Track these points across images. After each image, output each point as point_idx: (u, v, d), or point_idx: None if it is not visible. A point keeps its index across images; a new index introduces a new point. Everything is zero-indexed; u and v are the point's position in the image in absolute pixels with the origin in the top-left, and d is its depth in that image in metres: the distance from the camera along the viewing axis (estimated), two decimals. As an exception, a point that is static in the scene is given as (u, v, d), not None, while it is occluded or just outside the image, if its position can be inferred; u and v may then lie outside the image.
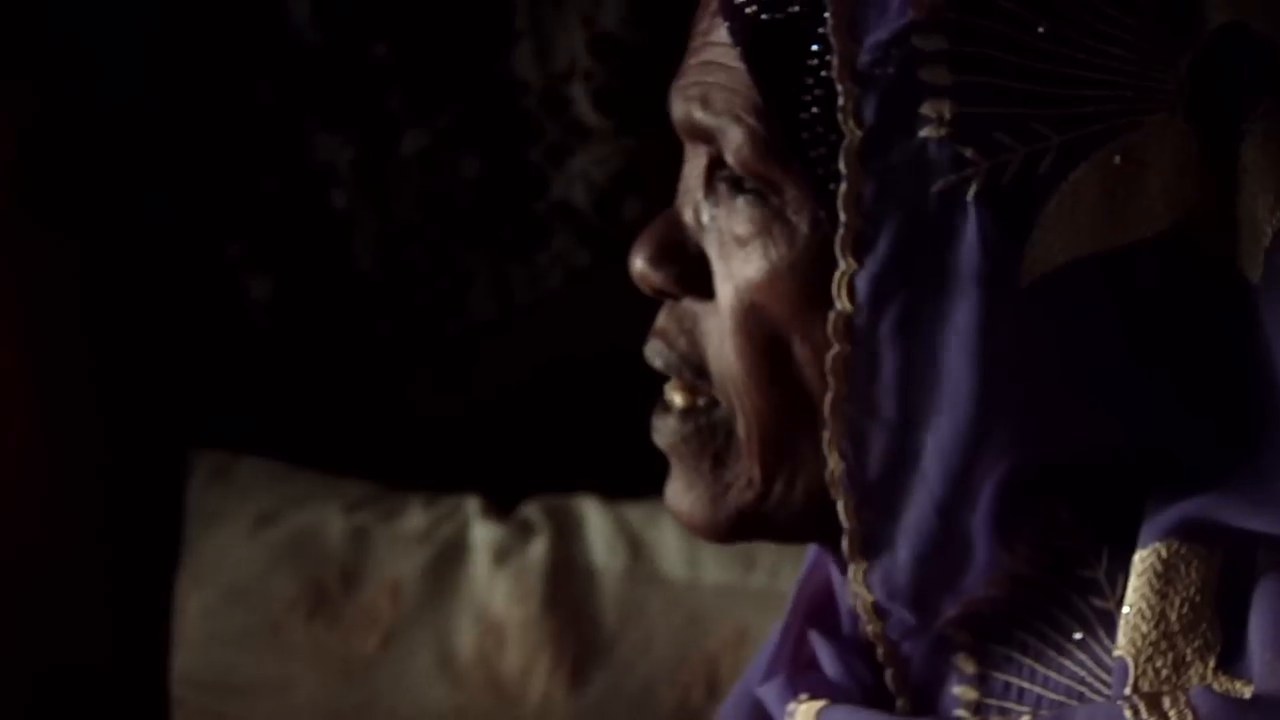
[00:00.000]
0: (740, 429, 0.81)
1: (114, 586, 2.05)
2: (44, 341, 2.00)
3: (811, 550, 0.90)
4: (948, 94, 0.74)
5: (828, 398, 0.77)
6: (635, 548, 1.93)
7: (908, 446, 0.76)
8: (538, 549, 1.94)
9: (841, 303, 0.76)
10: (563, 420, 2.00)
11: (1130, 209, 0.74)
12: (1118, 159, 0.74)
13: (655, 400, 0.86)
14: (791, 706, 0.83)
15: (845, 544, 0.78)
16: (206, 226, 2.08)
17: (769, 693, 0.86)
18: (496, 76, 2.00)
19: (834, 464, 0.77)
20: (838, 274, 0.76)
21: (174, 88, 2.05)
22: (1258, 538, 0.74)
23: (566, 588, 1.92)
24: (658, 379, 0.86)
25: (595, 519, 1.96)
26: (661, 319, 0.83)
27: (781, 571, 1.83)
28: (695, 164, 0.82)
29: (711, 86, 0.79)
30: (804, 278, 0.78)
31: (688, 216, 0.82)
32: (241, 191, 2.07)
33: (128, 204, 2.05)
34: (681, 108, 0.81)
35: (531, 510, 1.98)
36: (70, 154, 2.00)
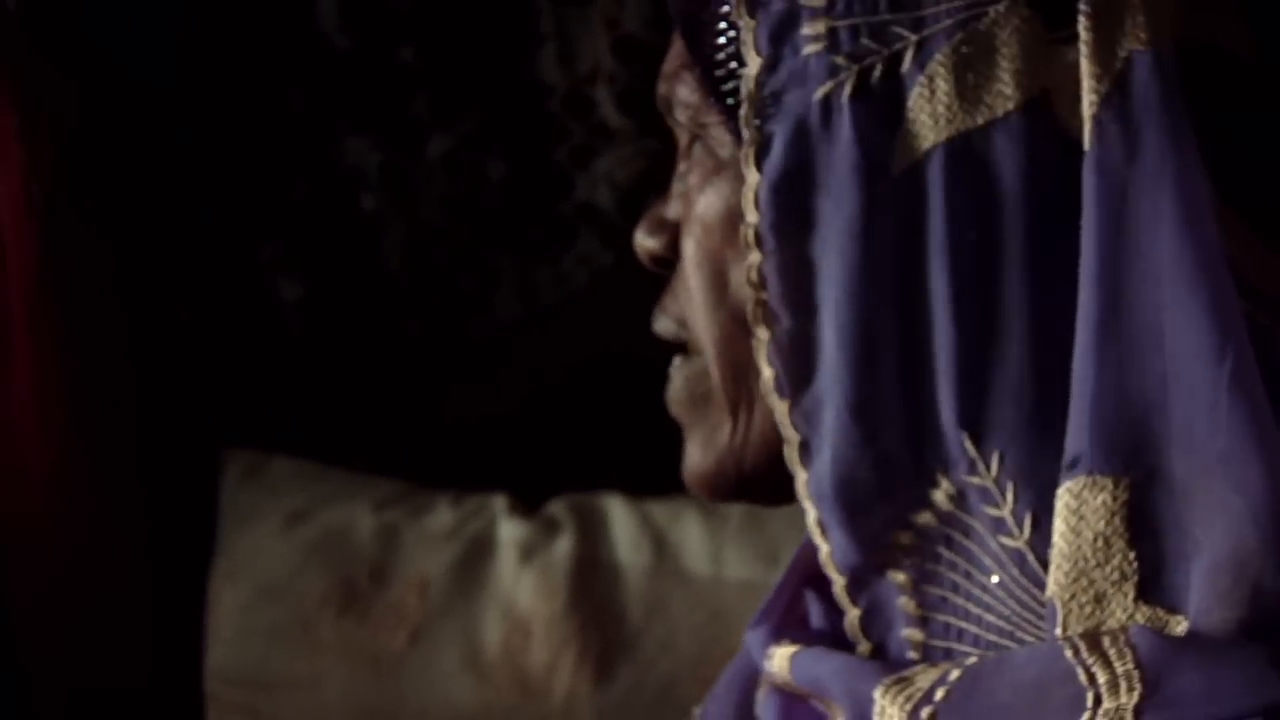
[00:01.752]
0: (711, 368, 0.85)
1: (148, 583, 2.05)
2: (80, 342, 1.99)
3: None
4: (822, 13, 0.80)
5: (749, 309, 0.81)
6: (659, 545, 1.92)
7: (818, 345, 0.80)
8: (563, 546, 1.93)
9: (750, 213, 0.81)
10: (588, 419, 1.99)
11: (980, 92, 0.79)
12: (965, 48, 0.79)
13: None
14: (771, 650, 0.86)
15: (786, 454, 0.81)
16: (239, 229, 2.09)
17: (754, 638, 0.88)
18: (521, 80, 2.01)
19: (766, 372, 0.81)
20: (745, 187, 0.81)
21: (207, 94, 2.06)
22: (1162, 447, 0.75)
23: (591, 584, 1.91)
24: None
25: (620, 516, 1.95)
26: (665, 292, 0.89)
27: (804, 568, 1.81)
28: (681, 143, 0.88)
29: (669, 60, 0.87)
30: (730, 202, 0.84)
31: (674, 190, 0.88)
32: (273, 195, 2.07)
33: (162, 207, 2.05)
34: (658, 89, 0.88)
35: (557, 508, 1.97)
36: (107, 158, 1.99)
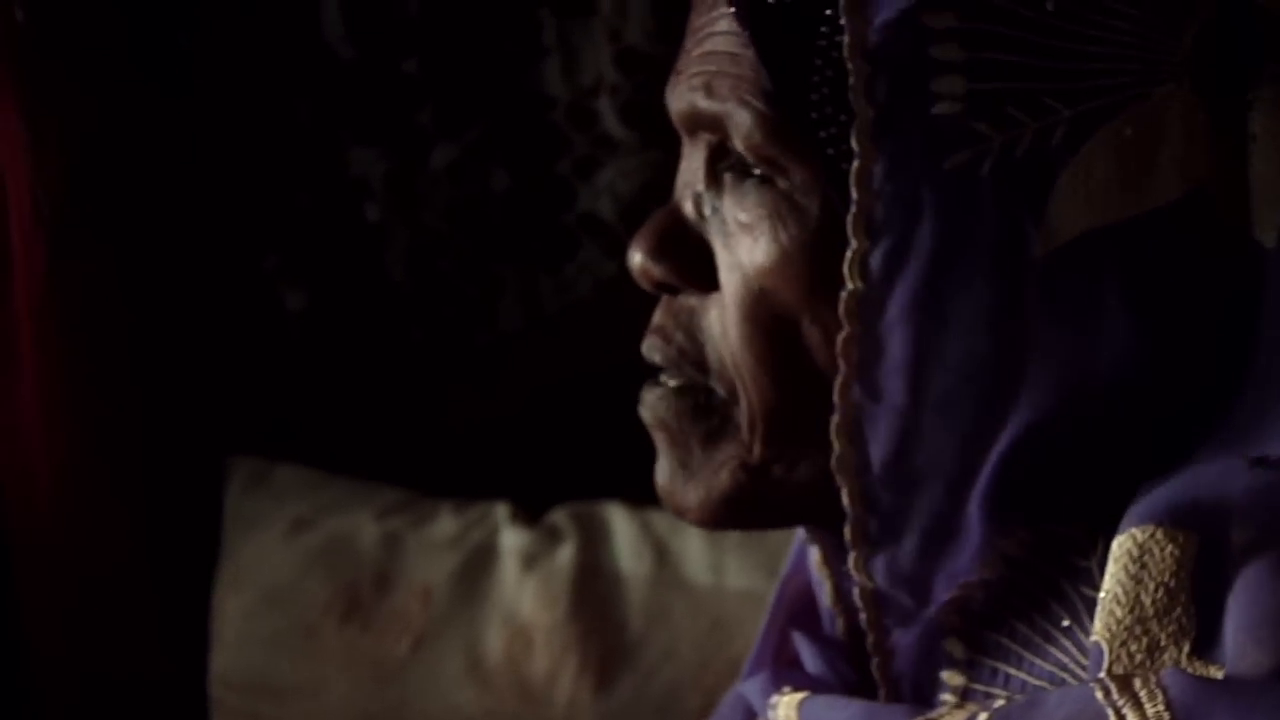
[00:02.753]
0: (742, 415, 0.78)
1: (154, 590, 2.04)
2: (86, 350, 1.98)
3: (793, 552, 0.87)
4: (959, 70, 0.72)
5: (837, 381, 0.74)
6: (661, 553, 1.90)
7: (918, 428, 0.74)
8: (565, 554, 1.91)
9: (854, 282, 0.73)
10: (590, 428, 1.98)
11: (1142, 179, 0.72)
12: (1128, 130, 0.72)
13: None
14: (774, 699, 0.81)
15: (848, 531, 0.76)
16: (244, 239, 2.08)
17: (752, 688, 0.84)
18: (524, 91, 2.00)
19: (841, 448, 0.75)
20: (850, 253, 0.73)
21: (213, 105, 2.05)
22: (1230, 517, 0.71)
23: (593, 593, 1.89)
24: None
25: (621, 525, 1.93)
26: (658, 316, 0.81)
27: (804, 578, 1.80)
28: (695, 157, 0.80)
29: (715, 75, 0.77)
30: (814, 259, 0.76)
31: (687, 209, 0.80)
32: (278, 205, 2.07)
33: (168, 217, 2.04)
34: (684, 98, 0.79)
35: (559, 516, 1.96)
36: (114, 168, 1.98)
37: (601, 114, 1.98)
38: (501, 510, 1.97)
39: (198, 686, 1.98)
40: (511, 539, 1.94)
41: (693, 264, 0.80)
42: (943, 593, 0.76)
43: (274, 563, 1.97)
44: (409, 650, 1.91)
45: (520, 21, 1.98)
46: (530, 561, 1.91)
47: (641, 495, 1.90)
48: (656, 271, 0.80)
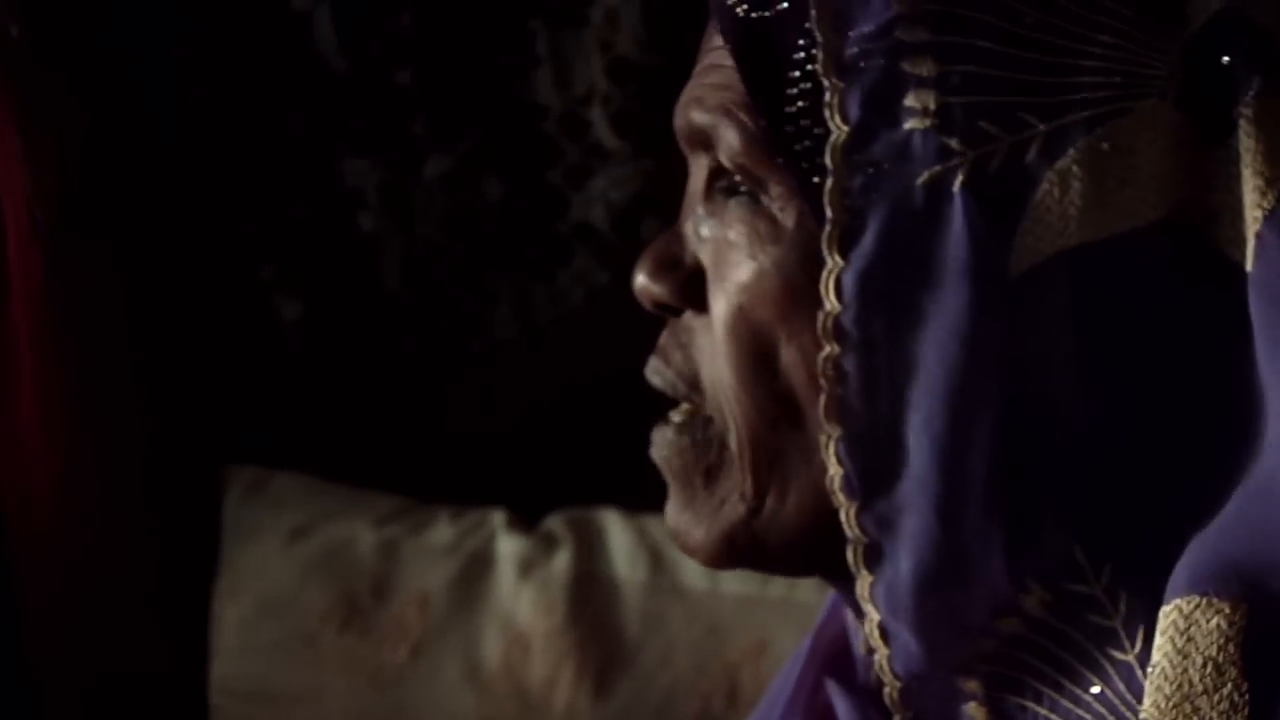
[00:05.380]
0: (732, 441, 0.76)
1: (154, 598, 2.03)
2: (84, 361, 1.98)
3: (828, 600, 0.85)
4: (932, 85, 0.70)
5: (821, 400, 0.72)
6: (656, 559, 1.90)
7: (903, 447, 0.71)
8: (561, 561, 1.91)
9: (830, 302, 0.71)
10: (585, 435, 1.98)
11: (1120, 197, 0.69)
12: (1105, 146, 0.69)
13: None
14: None
15: (850, 555, 0.73)
16: (240, 250, 2.07)
17: None
18: (517, 101, 1.99)
19: (833, 470, 0.72)
20: (825, 272, 0.71)
21: (209, 117, 2.04)
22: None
23: (589, 599, 1.89)
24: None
25: (617, 531, 1.93)
26: (663, 338, 0.79)
27: (799, 583, 1.79)
28: (697, 177, 0.78)
29: (708, 87, 0.76)
30: (790, 277, 0.74)
31: (688, 230, 0.78)
32: (273, 216, 2.06)
33: (165, 228, 2.04)
34: (682, 115, 0.77)
35: (555, 523, 1.95)
36: (110, 180, 1.98)
37: (594, 123, 1.98)
38: (498, 517, 1.96)
39: (198, 694, 1.97)
40: (508, 546, 1.93)
41: (688, 284, 0.78)
42: (954, 643, 0.73)
43: (272, 571, 1.97)
44: (407, 657, 1.91)
45: (512, 32, 1.98)
46: (527, 568, 1.91)
47: (637, 501, 1.91)
48: (655, 291, 0.78)
